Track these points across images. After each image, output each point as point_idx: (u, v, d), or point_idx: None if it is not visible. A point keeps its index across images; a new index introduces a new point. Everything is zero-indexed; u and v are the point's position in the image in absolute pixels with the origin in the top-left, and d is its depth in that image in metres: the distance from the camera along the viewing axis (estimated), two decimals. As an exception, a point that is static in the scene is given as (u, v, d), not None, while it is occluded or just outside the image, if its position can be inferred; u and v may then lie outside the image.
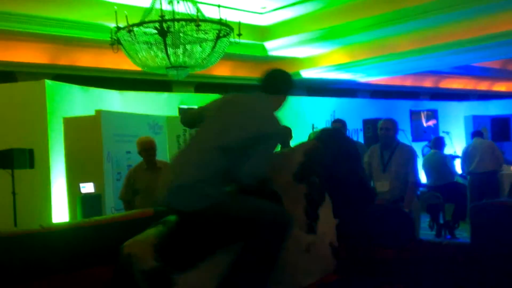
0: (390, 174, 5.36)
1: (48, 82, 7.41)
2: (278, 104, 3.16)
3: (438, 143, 8.40)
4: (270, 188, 3.14)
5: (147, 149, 5.49)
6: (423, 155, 12.04)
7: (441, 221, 7.96)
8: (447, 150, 8.98)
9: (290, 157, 3.28)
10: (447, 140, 9.47)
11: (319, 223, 3.09)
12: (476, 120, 14.04)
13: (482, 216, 3.02)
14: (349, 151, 3.41)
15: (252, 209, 2.89)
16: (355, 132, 12.06)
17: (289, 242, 2.89)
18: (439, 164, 8.08)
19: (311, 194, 3.11)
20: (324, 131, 3.60)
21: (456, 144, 13.37)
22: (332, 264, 3.12)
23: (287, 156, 3.38)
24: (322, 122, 11.92)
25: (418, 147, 13.16)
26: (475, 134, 8.70)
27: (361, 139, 11.03)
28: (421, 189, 10.13)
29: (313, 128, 12.02)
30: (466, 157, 8.42)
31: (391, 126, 5.50)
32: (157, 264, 2.81)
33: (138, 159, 6.65)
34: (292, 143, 6.09)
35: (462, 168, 8.60)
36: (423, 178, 10.50)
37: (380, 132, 5.52)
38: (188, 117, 3.44)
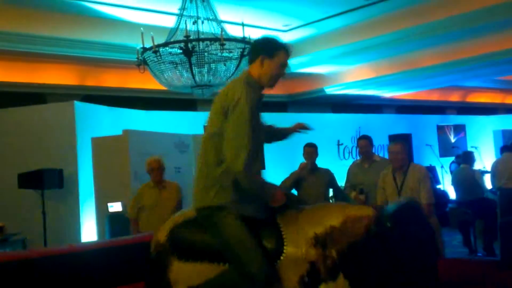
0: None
1: (77, 103, 7.55)
2: (261, 70, 2.90)
3: (467, 157, 8.27)
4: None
5: (154, 168, 5.68)
6: (451, 171, 11.85)
7: (472, 238, 7.79)
8: (476, 165, 8.81)
9: (327, 213, 2.84)
10: (475, 155, 9.31)
11: None
12: (506, 134, 13.80)
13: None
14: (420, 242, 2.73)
15: (238, 244, 2.77)
16: (381, 148, 11.96)
17: None
18: (468, 179, 7.94)
19: (317, 265, 2.69)
20: (405, 207, 2.82)
21: (485, 159, 13.14)
22: None
23: (326, 208, 2.94)
24: (348, 138, 11.85)
25: (446, 163, 12.97)
26: (505, 149, 8.54)
27: (386, 155, 10.92)
28: (450, 205, 9.97)
29: (338, 144, 11.93)
30: (496, 172, 8.25)
31: (402, 149, 5.21)
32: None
33: (164, 177, 6.70)
34: (318, 161, 6.07)
35: (492, 183, 8.42)
36: (452, 194, 10.35)
37: (391, 156, 5.27)
38: None
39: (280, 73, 2.95)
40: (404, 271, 2.61)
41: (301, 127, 3.31)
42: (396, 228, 2.65)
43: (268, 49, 2.91)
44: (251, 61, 2.96)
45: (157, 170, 5.68)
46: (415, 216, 2.85)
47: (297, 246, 2.73)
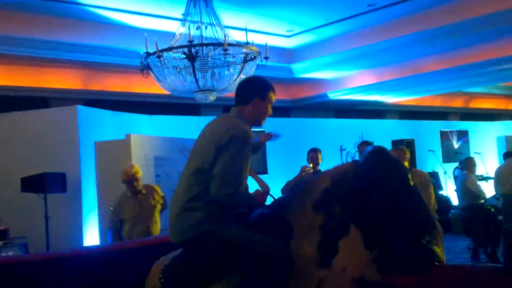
0: None
1: (80, 107, 7.57)
2: (255, 110, 3.05)
3: (465, 163, 8.35)
4: (282, 217, 3.00)
5: (129, 180, 5.50)
6: (455, 177, 11.82)
7: (471, 245, 7.81)
8: (479, 171, 8.80)
9: (315, 183, 3.09)
10: (478, 161, 9.29)
11: (337, 257, 2.83)
12: (509, 140, 13.78)
13: None
14: (400, 175, 2.99)
15: (247, 241, 2.85)
16: (384, 153, 11.94)
17: (296, 278, 2.79)
18: (464, 185, 8.00)
19: (328, 226, 2.87)
20: (372, 153, 3.12)
21: (488, 165, 13.11)
22: None
23: (312, 182, 3.19)
24: (350, 144, 11.82)
25: (449, 169, 12.94)
26: (508, 155, 8.50)
27: (390, 161, 10.90)
28: (452, 211, 9.96)
29: (341, 149, 11.94)
30: (499, 178, 8.23)
31: (403, 155, 5.07)
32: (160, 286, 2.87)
33: (167, 182, 6.70)
34: (321, 166, 6.08)
35: (495, 189, 8.40)
36: (454, 200, 10.33)
37: None
38: None
39: (269, 111, 3.12)
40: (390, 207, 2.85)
41: (270, 136, 3.45)
42: (374, 168, 2.95)
43: (261, 91, 3.08)
44: (243, 102, 3.07)
45: (134, 180, 5.50)
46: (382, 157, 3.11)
47: (301, 222, 2.91)
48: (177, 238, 2.92)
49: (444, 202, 11.89)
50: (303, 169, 5.95)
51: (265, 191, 3.19)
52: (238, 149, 2.82)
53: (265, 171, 10.05)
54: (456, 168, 12.62)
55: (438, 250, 3.11)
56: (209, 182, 2.83)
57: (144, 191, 5.58)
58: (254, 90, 3.08)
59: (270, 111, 3.11)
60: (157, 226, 5.55)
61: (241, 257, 2.85)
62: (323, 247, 2.84)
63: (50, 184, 6.51)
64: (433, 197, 5.12)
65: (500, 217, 7.92)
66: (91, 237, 7.17)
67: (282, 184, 5.70)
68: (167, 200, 5.69)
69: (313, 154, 6.03)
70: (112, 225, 5.65)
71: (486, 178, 11.64)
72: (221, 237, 2.83)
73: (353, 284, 2.80)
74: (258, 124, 3.12)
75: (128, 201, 5.52)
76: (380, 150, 3.15)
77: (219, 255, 2.86)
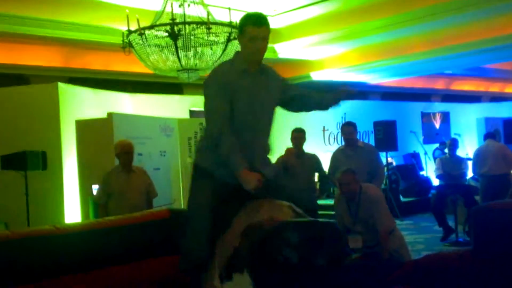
0: (361, 226, 4.73)
1: (61, 85, 7.48)
2: (242, 46, 2.96)
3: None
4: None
5: (127, 152, 5.46)
6: (434, 158, 11.99)
7: (454, 223, 7.91)
8: (460, 152, 8.91)
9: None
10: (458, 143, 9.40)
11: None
12: (489, 122, 13.97)
13: (483, 220, 2.91)
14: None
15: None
16: (366, 134, 12.04)
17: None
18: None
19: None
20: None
21: (468, 146, 13.30)
22: None
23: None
24: (333, 124, 11.92)
25: (430, 149, 13.11)
26: (488, 136, 8.62)
27: (372, 142, 11.01)
28: (432, 191, 10.10)
29: (324, 130, 12.01)
30: (478, 159, 8.36)
31: (352, 179, 4.77)
32: None
33: (149, 160, 6.68)
34: (304, 146, 6.10)
35: (473, 171, 8.53)
36: (434, 181, 10.47)
37: (341, 188, 4.85)
38: None
39: (253, 47, 2.87)
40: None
41: (349, 92, 3.45)
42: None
43: (239, 28, 2.95)
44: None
45: (131, 153, 5.48)
46: None
47: (235, 231, 2.76)
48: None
49: (424, 182, 12.09)
50: (288, 151, 5.98)
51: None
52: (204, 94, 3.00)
53: (263, 151, 10.04)
54: (437, 149, 12.80)
55: None
56: None
57: (134, 170, 5.54)
58: (238, 28, 2.98)
59: (255, 46, 2.86)
60: (143, 202, 5.51)
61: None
62: (226, 267, 2.72)
63: (31, 161, 6.45)
64: (387, 216, 4.83)
65: (477, 197, 8.07)
66: (72, 215, 7.15)
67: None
68: (154, 188, 5.68)
69: (297, 135, 6.04)
70: (98, 199, 5.62)
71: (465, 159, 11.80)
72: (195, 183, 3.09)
73: None
74: (255, 63, 2.95)
75: (117, 176, 5.46)
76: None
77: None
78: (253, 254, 2.55)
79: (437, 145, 12.96)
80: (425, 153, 13.00)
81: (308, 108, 3.33)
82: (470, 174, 8.96)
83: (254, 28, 2.84)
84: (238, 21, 3.07)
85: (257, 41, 2.86)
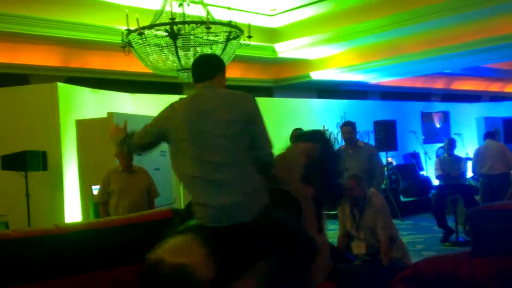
0: (364, 233, 4.69)
1: (60, 84, 7.48)
2: (221, 83, 3.27)
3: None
4: (289, 194, 3.05)
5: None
6: (437, 156, 11.98)
7: (454, 223, 7.90)
8: (458, 152, 8.91)
9: (293, 160, 3.27)
10: (458, 143, 9.40)
11: (323, 223, 3.13)
12: (488, 121, 13.96)
13: (480, 221, 2.91)
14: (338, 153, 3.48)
15: (294, 227, 2.84)
16: (366, 134, 12.04)
17: None
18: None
19: (317, 196, 3.11)
20: (317, 133, 3.52)
21: (468, 146, 13.30)
22: (330, 263, 3.17)
23: (290, 158, 3.32)
24: (333, 124, 11.92)
25: (430, 149, 13.11)
26: (488, 135, 8.62)
27: (372, 141, 11.01)
28: (432, 191, 10.10)
29: (323, 128, 12.00)
30: (478, 159, 8.36)
31: (356, 184, 4.74)
32: (217, 274, 2.69)
33: (149, 160, 6.65)
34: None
35: (473, 170, 8.53)
36: (434, 180, 10.47)
37: (345, 192, 4.70)
38: None
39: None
40: None
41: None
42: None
43: (222, 66, 3.31)
44: (214, 76, 3.19)
45: (128, 153, 5.35)
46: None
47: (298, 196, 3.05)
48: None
49: (424, 182, 12.09)
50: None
51: None
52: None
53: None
54: (440, 148, 12.78)
55: None
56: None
57: (134, 169, 5.55)
58: (220, 65, 3.30)
59: None
60: (144, 201, 5.52)
61: (289, 239, 2.76)
62: (318, 214, 3.05)
63: (31, 162, 6.45)
64: (389, 224, 4.77)
65: (477, 197, 8.07)
66: (72, 215, 7.15)
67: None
68: (156, 187, 5.68)
69: (297, 134, 6.03)
70: (98, 199, 5.62)
71: (465, 159, 11.81)
72: (276, 218, 2.80)
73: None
74: None
75: (117, 175, 5.47)
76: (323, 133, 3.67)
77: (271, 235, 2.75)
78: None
79: (440, 144, 12.94)
80: (425, 153, 13.00)
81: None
82: (470, 173, 8.96)
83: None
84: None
85: None
